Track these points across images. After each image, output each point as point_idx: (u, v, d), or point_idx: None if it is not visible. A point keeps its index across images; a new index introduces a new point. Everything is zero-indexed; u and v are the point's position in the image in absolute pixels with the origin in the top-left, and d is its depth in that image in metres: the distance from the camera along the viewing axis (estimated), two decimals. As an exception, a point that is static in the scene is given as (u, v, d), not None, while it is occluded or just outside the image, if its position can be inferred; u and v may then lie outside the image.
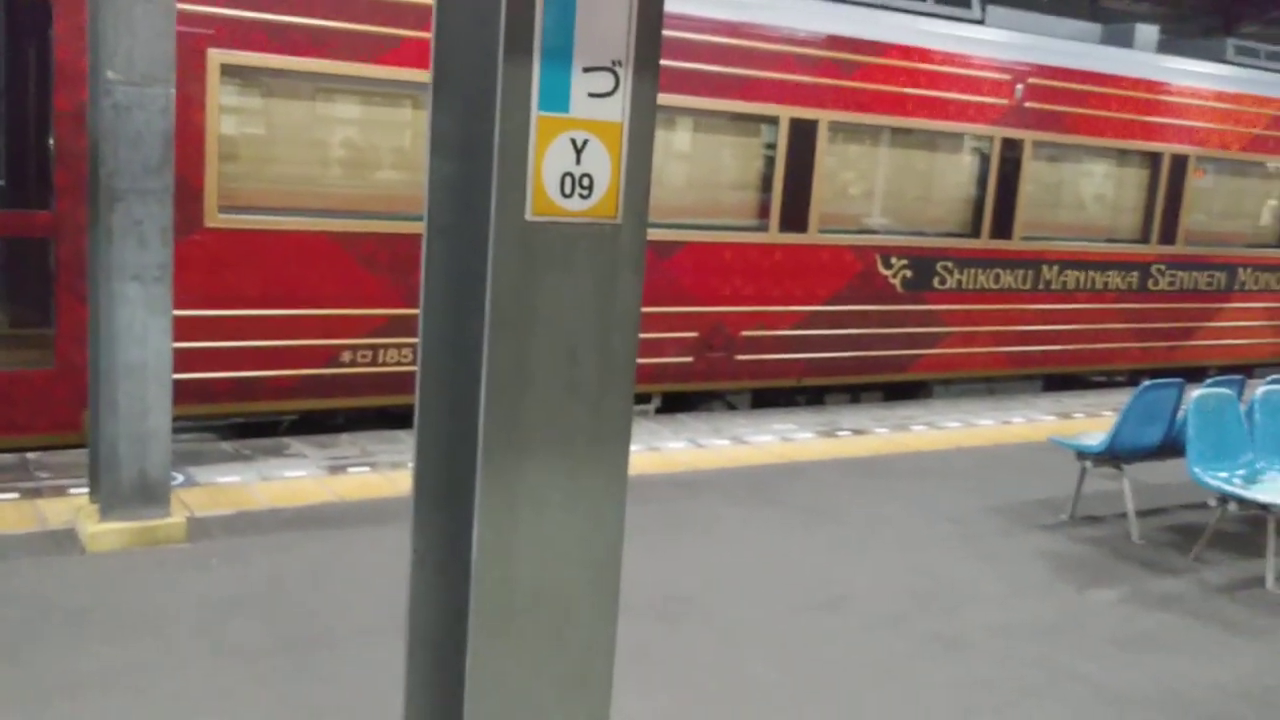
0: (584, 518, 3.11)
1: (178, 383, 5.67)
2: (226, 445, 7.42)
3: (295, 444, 7.48)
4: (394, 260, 7.93)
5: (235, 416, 7.93)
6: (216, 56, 7.10)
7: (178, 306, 5.65)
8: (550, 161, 2.83)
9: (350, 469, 7.00)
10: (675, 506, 6.73)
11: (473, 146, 2.94)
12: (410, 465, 3.13)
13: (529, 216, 2.82)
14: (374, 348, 8.00)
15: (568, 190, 2.85)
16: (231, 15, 7.13)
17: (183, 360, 6.61)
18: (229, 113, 7.38)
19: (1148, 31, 12.22)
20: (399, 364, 8.09)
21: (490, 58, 2.80)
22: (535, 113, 2.79)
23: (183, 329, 6.31)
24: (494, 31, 2.77)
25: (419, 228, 2.98)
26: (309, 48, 7.40)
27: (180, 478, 6.44)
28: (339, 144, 7.96)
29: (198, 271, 7.21)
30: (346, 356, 7.91)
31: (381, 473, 6.96)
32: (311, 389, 7.86)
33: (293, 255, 7.60)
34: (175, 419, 5.72)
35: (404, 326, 8.02)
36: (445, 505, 3.16)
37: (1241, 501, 6.21)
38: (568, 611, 3.16)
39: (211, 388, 7.48)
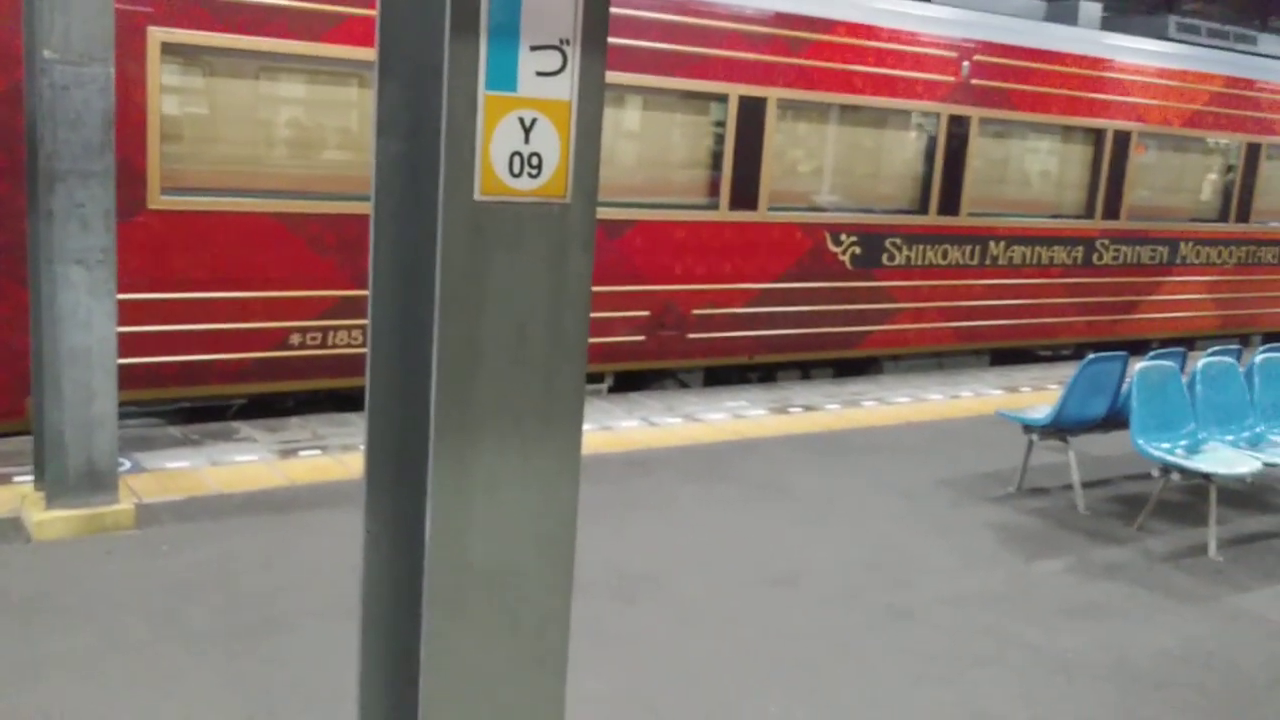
0: (537, 496, 3.12)
1: (123, 367, 5.59)
2: (174, 430, 7.33)
3: (245, 428, 7.41)
4: (342, 241, 7.86)
5: (183, 401, 7.83)
6: (157, 34, 6.97)
7: (122, 290, 5.57)
8: (498, 141, 2.82)
9: (301, 452, 6.94)
10: (629, 485, 6.76)
11: (420, 126, 2.92)
12: (362, 447, 3.12)
13: (478, 196, 2.81)
14: (323, 330, 7.93)
15: (516, 170, 2.84)
16: (172, -7, 7.00)
17: (128, 344, 6.51)
18: (171, 92, 7.26)
19: (1091, 9, 12.36)
20: (349, 346, 8.03)
21: (436, 36, 2.78)
22: (483, 92, 2.77)
23: (127, 313, 6.22)
24: (440, 9, 2.75)
25: (367, 208, 2.96)
26: (252, 26, 7.29)
27: (128, 464, 6.36)
28: (284, 124, 7.86)
29: (142, 254, 7.10)
30: (295, 339, 7.83)
31: (333, 455, 6.91)
32: (261, 372, 7.78)
33: (238, 237, 7.51)
34: (122, 404, 5.65)
35: (353, 308, 7.96)
36: (398, 486, 3.16)
37: (1183, 471, 6.34)
38: (522, 590, 3.17)
39: (158, 372, 7.38)
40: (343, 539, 5.35)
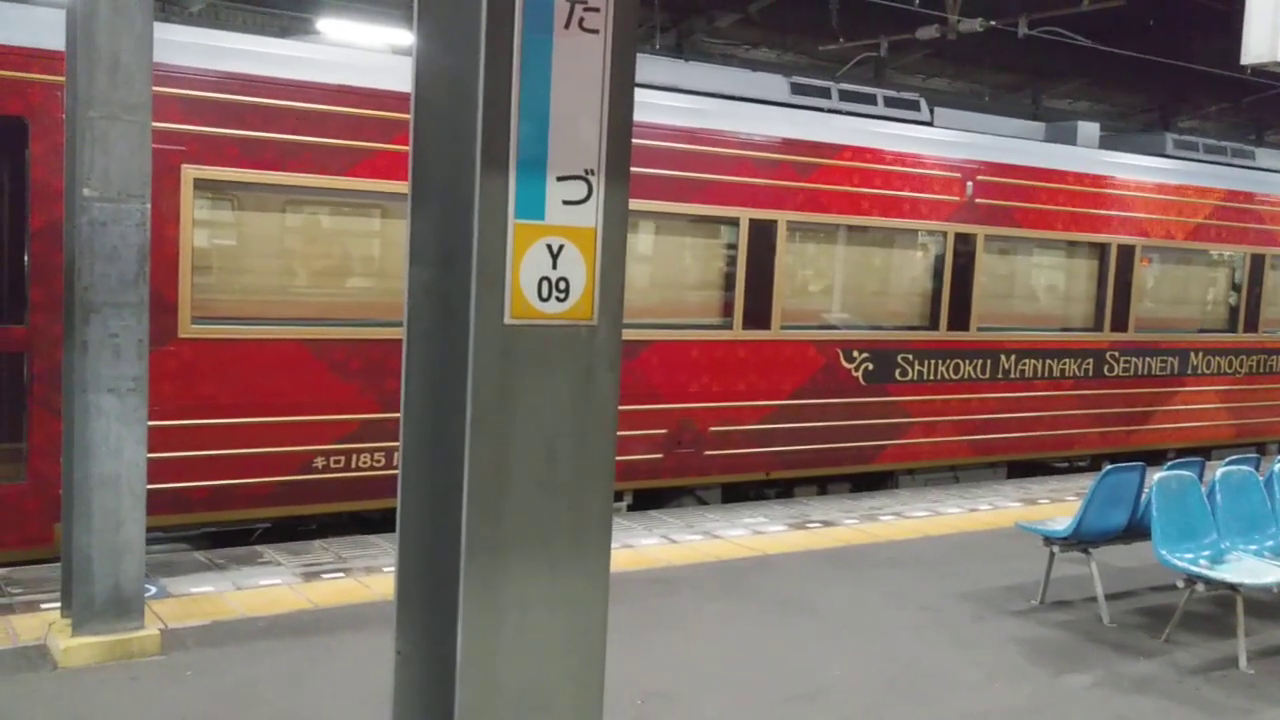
0: (567, 617, 3.16)
1: (151, 493, 5.67)
2: (199, 555, 7.37)
3: (268, 552, 7.44)
4: (366, 365, 8.00)
5: (208, 525, 7.89)
6: (190, 171, 7.24)
7: (152, 417, 5.68)
8: (527, 267, 2.95)
9: (325, 575, 6.96)
10: (651, 603, 6.74)
11: (451, 254, 3.05)
12: (386, 569, 3.17)
13: (508, 320, 2.93)
14: (347, 452, 8.02)
15: (545, 294, 2.96)
16: (204, 132, 7.29)
17: (156, 470, 6.60)
18: (202, 225, 7.50)
19: (1089, 128, 12.70)
20: (372, 468, 8.11)
21: (468, 168, 2.93)
22: (512, 220, 2.91)
23: (156, 439, 6.32)
24: (470, 143, 2.91)
25: (390, 333, 3.07)
26: (280, 162, 7.57)
27: (153, 589, 6.38)
28: (310, 253, 8.08)
29: (172, 381, 7.25)
30: (319, 462, 7.92)
31: (356, 578, 6.93)
32: (285, 496, 7.84)
33: (265, 363, 7.66)
34: (148, 530, 5.70)
35: (377, 431, 8.06)
36: (428, 606, 3.20)
37: (1209, 582, 6.31)
38: (551, 711, 3.18)
39: (185, 497, 7.46)
40: (368, 661, 5.35)
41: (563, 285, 2.97)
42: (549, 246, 2.95)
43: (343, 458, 8.02)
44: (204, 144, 7.30)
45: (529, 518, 3.03)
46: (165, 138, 6.98)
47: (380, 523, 8.20)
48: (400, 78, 7.03)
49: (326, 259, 8.18)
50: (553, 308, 2.97)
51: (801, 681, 5.65)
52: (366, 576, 6.95)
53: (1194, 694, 5.78)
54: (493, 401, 2.93)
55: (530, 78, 2.85)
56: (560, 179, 2.96)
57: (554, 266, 2.96)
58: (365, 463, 8.12)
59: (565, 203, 2.96)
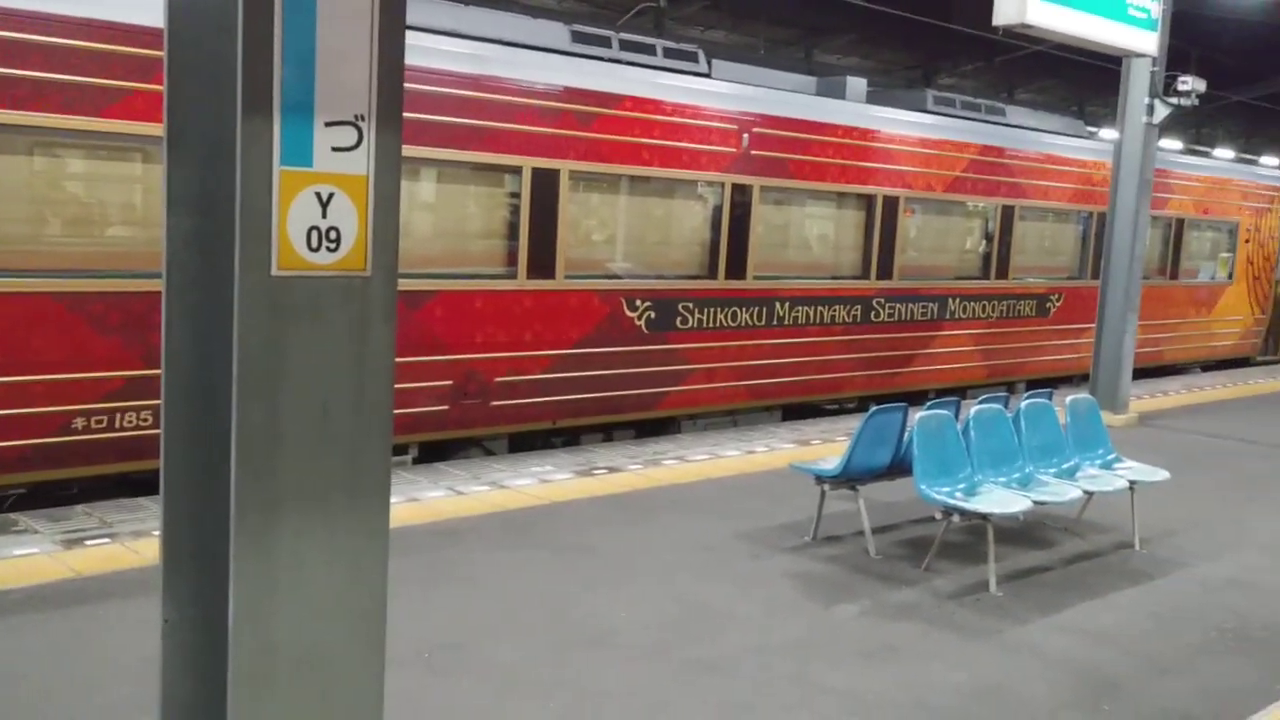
0: (345, 574, 3.09)
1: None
2: (-61, 527, 6.82)
3: (23, 519, 6.95)
4: (128, 319, 7.54)
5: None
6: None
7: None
8: (295, 216, 2.83)
9: (88, 542, 6.57)
10: (438, 555, 6.69)
11: (213, 202, 2.90)
12: (158, 532, 3.02)
13: (275, 271, 2.81)
14: (110, 412, 7.56)
15: (314, 244, 2.86)
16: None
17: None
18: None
19: (857, 83, 13.21)
20: (138, 428, 7.68)
21: (228, 112, 2.78)
22: (278, 167, 2.79)
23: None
24: (231, 85, 2.76)
25: (155, 285, 2.90)
26: (25, 101, 6.99)
27: (-114, 566, 5.87)
28: (61, 200, 7.52)
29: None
30: (79, 423, 7.44)
31: (123, 543, 6.57)
32: (41, 459, 7.34)
33: (12, 318, 7.11)
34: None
35: (142, 388, 7.63)
36: (197, 570, 3.07)
37: (963, 513, 6.77)
38: (333, 671, 3.12)
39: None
40: (139, 630, 5.10)
41: (333, 235, 2.87)
42: (318, 195, 2.84)
43: (105, 417, 7.56)
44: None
45: (303, 474, 2.94)
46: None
47: (149, 484, 7.80)
48: (158, 12, 6.60)
49: (81, 206, 7.63)
50: (323, 258, 2.87)
51: (590, 625, 5.75)
52: (135, 541, 6.60)
53: (950, 617, 6.21)
54: (261, 356, 2.82)
55: (294, 15, 2.72)
56: (329, 124, 2.84)
57: (324, 216, 2.86)
58: (130, 422, 7.69)
59: (335, 149, 2.86)
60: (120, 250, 7.71)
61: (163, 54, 2.89)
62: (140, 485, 7.85)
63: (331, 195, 2.88)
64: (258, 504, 2.89)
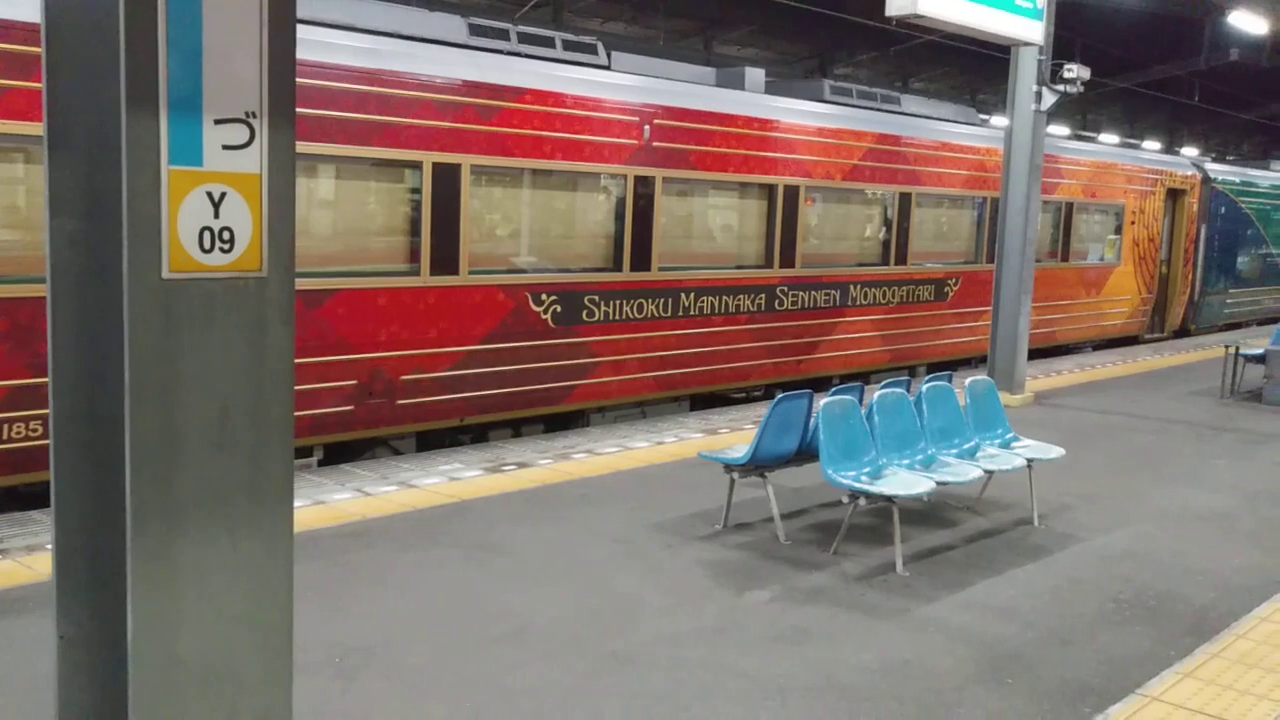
0: (249, 581, 3.03)
1: None
2: None
3: (-98, 539, 6.67)
4: (13, 327, 7.27)
5: None
6: None
7: None
8: (186, 216, 2.76)
9: (-26, 560, 6.33)
10: (346, 558, 6.59)
11: (99, 204, 2.81)
12: (49, 546, 2.91)
13: (166, 274, 2.74)
14: (-6, 424, 7.30)
15: (207, 245, 2.79)
16: None
17: None
18: None
19: (756, 74, 13.33)
20: (27, 439, 7.41)
21: (112, 110, 2.70)
22: (166, 167, 2.72)
23: None
24: (114, 81, 2.67)
25: (39, 290, 2.81)
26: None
27: None
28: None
29: None
30: (-39, 436, 7.16)
31: (15, 558, 6.34)
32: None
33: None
34: None
35: (30, 398, 7.36)
36: (93, 584, 2.98)
37: (869, 496, 6.89)
38: (240, 682, 3.05)
39: None
40: (32, 649, 4.93)
41: (226, 236, 2.81)
42: (209, 194, 2.78)
43: (-10, 429, 7.29)
44: None
45: (202, 481, 2.88)
46: None
47: (41, 497, 7.53)
48: (34, 6, 6.36)
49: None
50: (217, 260, 2.80)
51: (503, 622, 5.72)
52: (28, 556, 6.38)
53: (859, 599, 6.32)
54: (154, 362, 2.74)
55: (178, 7, 2.64)
56: (218, 121, 2.78)
57: (216, 216, 2.79)
58: (19, 433, 7.42)
59: (225, 147, 2.79)
60: (4, 255, 7.42)
61: (40, 50, 2.78)
62: (29, 499, 7.58)
63: (224, 195, 2.81)
64: (156, 513, 2.82)
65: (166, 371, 2.76)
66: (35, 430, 7.44)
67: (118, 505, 2.84)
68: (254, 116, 2.82)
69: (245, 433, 2.91)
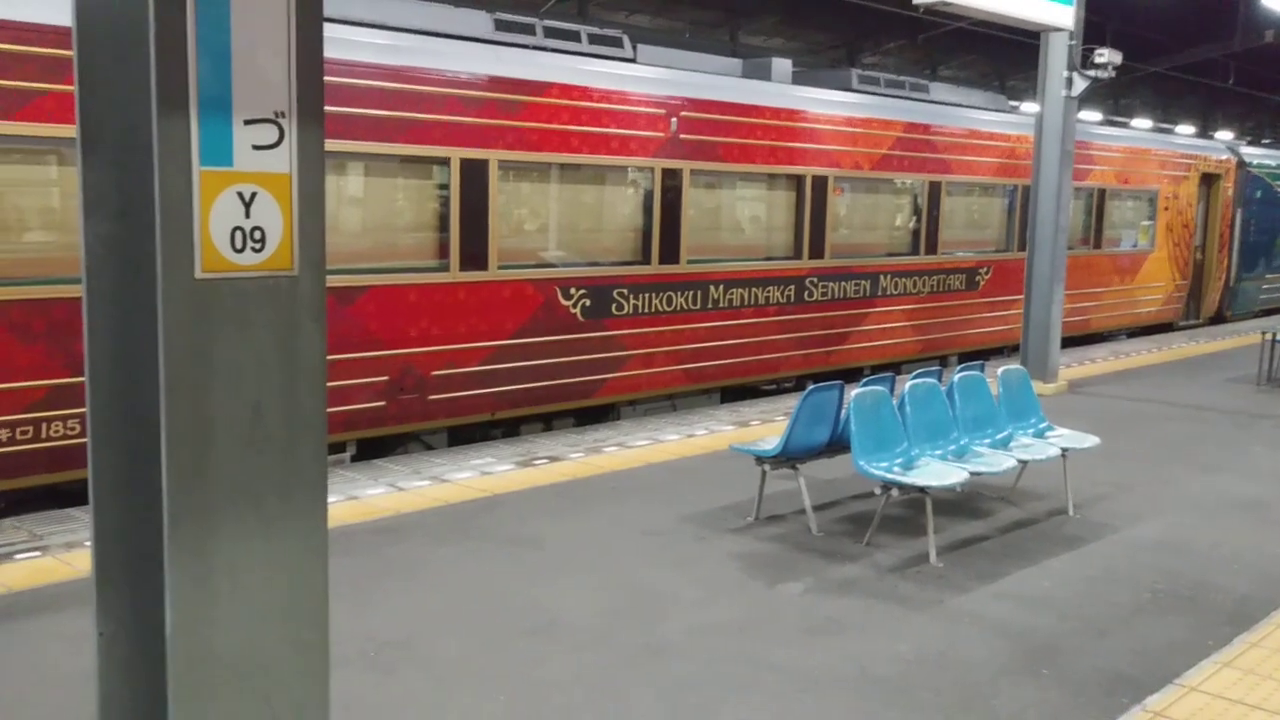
0: (284, 578, 3.05)
1: None
2: None
3: (-55, 537, 6.78)
4: (51, 327, 7.36)
5: None
6: None
7: None
8: (217, 217, 2.78)
9: (18, 556, 6.41)
10: (380, 553, 6.63)
11: (131, 204, 2.84)
12: (88, 543, 2.95)
13: (199, 274, 2.76)
14: (35, 422, 7.38)
15: (239, 245, 2.81)
16: None
17: None
18: None
19: (783, 65, 13.27)
20: (66, 437, 7.51)
21: (143, 112, 2.72)
22: (197, 168, 2.74)
23: None
24: (145, 83, 2.70)
25: (77, 290, 2.84)
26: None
27: None
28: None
29: None
30: (3, 434, 7.25)
31: (56, 555, 6.43)
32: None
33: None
34: None
35: (69, 397, 7.46)
36: (131, 581, 3.01)
37: (901, 487, 6.86)
38: (275, 677, 3.08)
39: None
40: (74, 645, 5.00)
41: (258, 235, 2.83)
42: (240, 194, 2.80)
43: (30, 428, 7.38)
44: None
45: (236, 479, 2.90)
46: None
47: (79, 495, 7.63)
48: (66, 9, 6.43)
49: (-4, 212, 7.44)
50: (248, 259, 2.83)
51: (535, 616, 5.74)
52: (68, 554, 6.47)
53: (892, 590, 6.29)
54: (188, 361, 2.77)
55: (207, 9, 2.66)
56: (248, 122, 2.80)
57: (247, 215, 2.81)
58: (58, 432, 7.52)
59: (255, 147, 2.81)
60: (40, 256, 7.52)
61: (72, 53, 2.82)
62: (69, 497, 7.68)
63: (254, 194, 2.83)
64: (191, 510, 2.84)
65: (200, 370, 2.79)
66: (74, 429, 7.53)
67: (154, 503, 2.87)
68: (283, 116, 2.84)
69: (278, 430, 2.93)
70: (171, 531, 2.81)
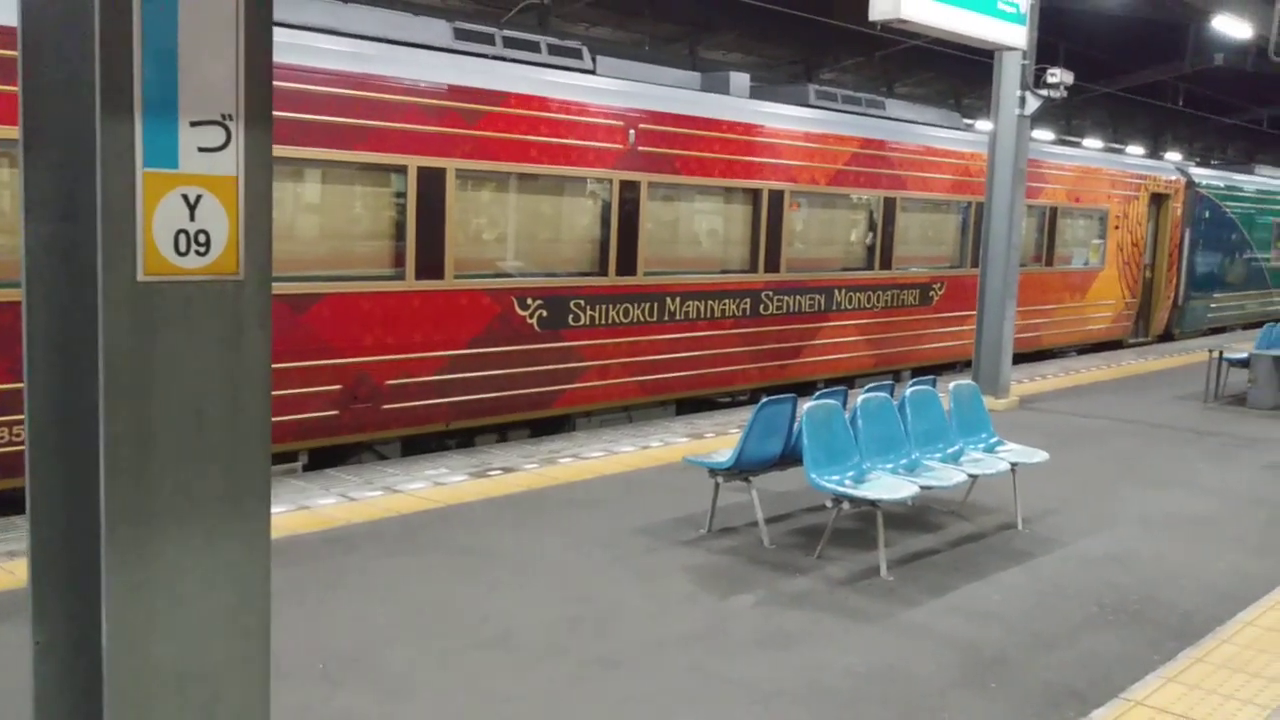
0: (227, 587, 3.01)
1: None
2: None
3: (-119, 546, 6.62)
4: (-8, 332, 7.23)
5: None
6: None
7: None
8: (161, 219, 2.75)
9: (-48, 567, 6.28)
10: (330, 564, 6.56)
11: (74, 206, 2.80)
12: (27, 551, 2.89)
13: (141, 277, 2.72)
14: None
15: (183, 248, 2.78)
16: None
17: None
18: None
19: (741, 79, 13.34)
20: (12, 444, 7.37)
21: (87, 113, 2.68)
22: (141, 169, 2.70)
23: None
24: (89, 84, 2.66)
25: (15, 294, 2.79)
26: None
27: None
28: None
29: None
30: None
31: (-8, 566, 6.30)
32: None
33: None
34: None
35: (9, 403, 7.32)
36: (70, 589, 2.95)
37: (853, 500, 6.89)
38: (216, 690, 3.03)
39: None
40: (12, 655, 4.89)
41: (202, 238, 2.79)
42: (185, 197, 2.76)
43: (-31, 435, 7.24)
44: None
45: (178, 486, 2.86)
46: None
47: (19, 502, 7.49)
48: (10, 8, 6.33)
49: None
50: (193, 263, 2.79)
51: (488, 628, 5.70)
52: (10, 562, 6.34)
53: (843, 603, 6.31)
54: (129, 366, 2.73)
55: (154, 10, 2.63)
56: (194, 124, 2.76)
57: (192, 218, 2.78)
58: (3, 438, 7.37)
59: (201, 150, 2.78)
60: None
61: (16, 53, 2.77)
62: (12, 504, 7.53)
63: (200, 197, 2.80)
64: (130, 517, 2.79)
65: (141, 375, 2.74)
66: (18, 435, 7.39)
67: (93, 510, 2.82)
68: (230, 119, 2.81)
69: (222, 436, 2.89)
70: (109, 538, 2.77)
